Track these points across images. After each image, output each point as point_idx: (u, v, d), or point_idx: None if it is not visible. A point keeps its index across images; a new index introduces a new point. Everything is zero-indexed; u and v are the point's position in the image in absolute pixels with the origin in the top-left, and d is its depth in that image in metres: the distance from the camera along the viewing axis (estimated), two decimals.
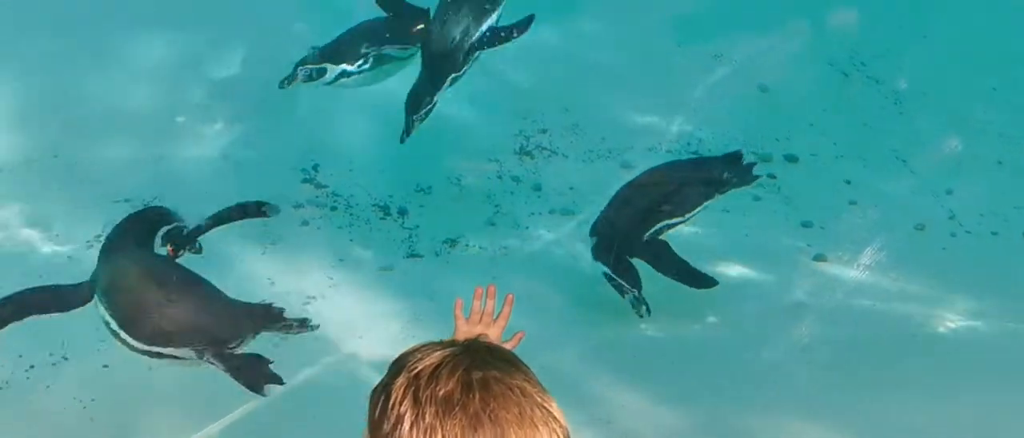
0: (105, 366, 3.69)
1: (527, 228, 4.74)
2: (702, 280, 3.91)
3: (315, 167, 4.87)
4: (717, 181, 4.20)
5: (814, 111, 5.52)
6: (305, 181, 4.80)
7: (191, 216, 4.30)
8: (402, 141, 4.24)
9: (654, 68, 5.80)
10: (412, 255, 4.50)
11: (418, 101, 4.23)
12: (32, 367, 3.69)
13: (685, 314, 4.10)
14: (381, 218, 4.66)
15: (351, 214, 4.68)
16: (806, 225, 4.73)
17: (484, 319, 2.33)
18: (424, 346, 1.53)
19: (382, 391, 1.49)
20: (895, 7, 6.19)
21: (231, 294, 4.00)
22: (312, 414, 3.50)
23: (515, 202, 4.90)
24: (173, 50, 5.36)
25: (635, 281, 3.95)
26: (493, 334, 2.31)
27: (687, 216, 4.19)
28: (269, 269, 4.29)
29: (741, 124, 5.44)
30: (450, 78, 4.33)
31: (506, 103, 5.49)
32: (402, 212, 4.71)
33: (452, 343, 1.52)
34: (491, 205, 4.86)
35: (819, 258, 4.50)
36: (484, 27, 4.34)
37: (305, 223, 4.59)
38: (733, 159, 4.36)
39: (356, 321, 3.99)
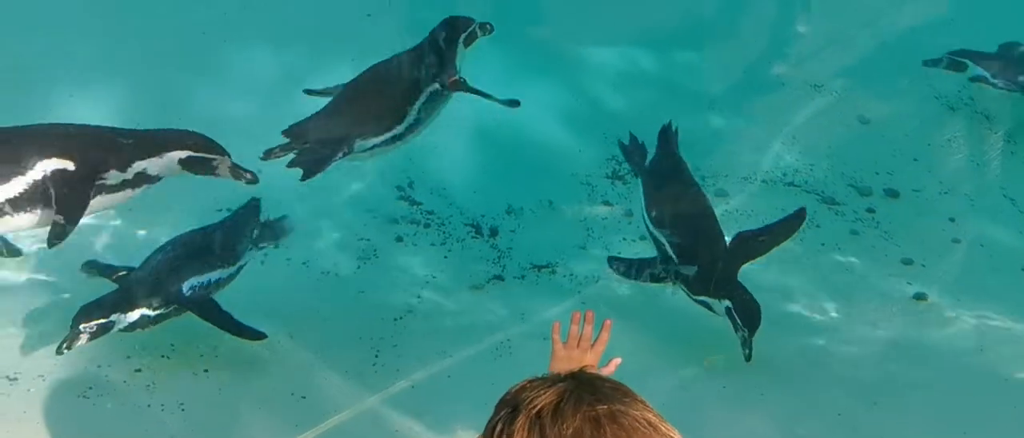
0: (205, 371, 3.80)
1: (619, 253, 4.72)
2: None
3: (411, 184, 4.95)
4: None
5: (918, 145, 5.38)
6: (400, 198, 4.88)
7: (292, 230, 4.43)
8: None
9: (752, 97, 5.73)
10: (501, 276, 4.53)
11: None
12: (138, 371, 3.82)
13: (778, 350, 4.02)
14: (473, 237, 4.71)
15: (444, 232, 4.74)
16: (907, 262, 4.60)
17: (582, 344, 2.34)
18: (532, 382, 1.50)
19: (501, 433, 1.45)
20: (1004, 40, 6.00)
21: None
22: (399, 431, 3.55)
23: (606, 227, 4.89)
24: (278, 65, 5.51)
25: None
26: (590, 360, 2.32)
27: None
28: (361, 282, 4.37)
29: (840, 156, 5.33)
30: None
31: (600, 127, 5.49)
32: (494, 232, 4.75)
33: (560, 378, 1.50)
34: (582, 229, 4.86)
35: (920, 297, 4.37)
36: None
37: (399, 239, 4.66)
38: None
39: (445, 340, 4.03)
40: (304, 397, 3.70)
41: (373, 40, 5.64)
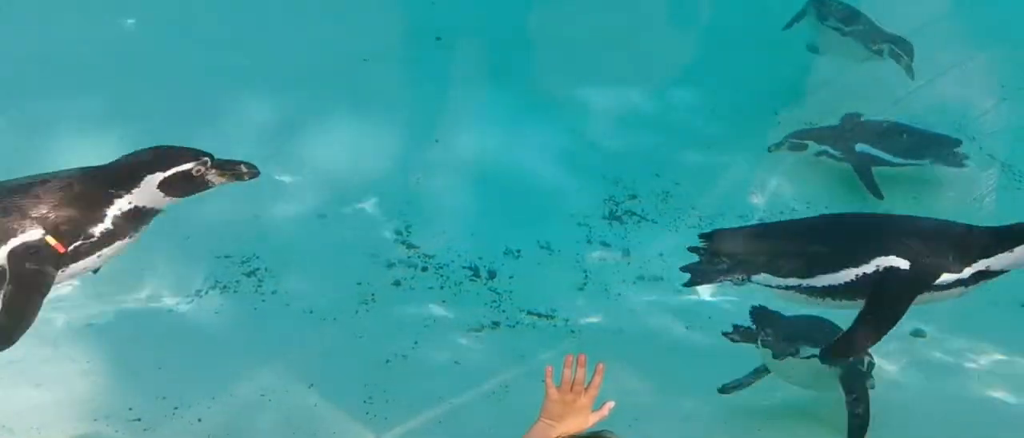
0: (199, 420, 3.79)
1: (618, 295, 4.73)
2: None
3: (408, 228, 4.96)
4: None
5: (914, 182, 5.40)
6: (399, 242, 4.90)
7: (289, 272, 4.46)
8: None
9: (748, 136, 5.76)
10: (500, 319, 4.53)
11: None
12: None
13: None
14: (471, 280, 4.72)
15: (441, 275, 4.74)
16: None
17: (575, 388, 2.34)
18: None
19: None
20: (1002, 77, 6.06)
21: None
22: None
23: (604, 268, 4.90)
24: (275, 111, 5.56)
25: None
26: (583, 403, 2.32)
27: None
28: (358, 327, 4.37)
29: (834, 192, 5.36)
30: None
31: (596, 168, 5.52)
32: (492, 275, 4.75)
33: None
34: (580, 270, 4.86)
35: (918, 333, 4.36)
36: None
37: (397, 283, 4.67)
38: None
39: (441, 385, 4.02)
40: None
41: (370, 85, 5.71)
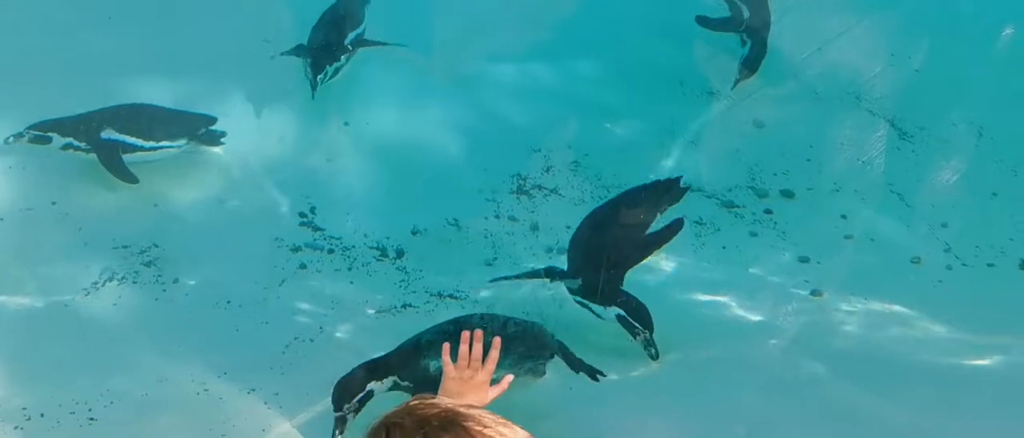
0: (90, 420, 3.69)
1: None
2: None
3: (312, 210, 4.90)
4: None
5: (810, 146, 5.55)
6: (303, 224, 4.83)
7: (190, 260, 4.36)
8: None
9: (652, 106, 5.84)
10: (409, 298, 4.52)
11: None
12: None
13: (683, 350, 4.10)
14: (379, 260, 4.68)
15: (348, 257, 4.70)
16: (803, 260, 4.75)
17: (472, 364, 2.35)
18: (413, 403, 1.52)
19: None
20: (889, 42, 6.24)
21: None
22: None
23: (514, 242, 4.92)
24: (171, 95, 5.40)
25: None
26: (481, 379, 2.33)
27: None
28: (266, 311, 4.31)
29: (738, 160, 5.47)
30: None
31: (503, 143, 5.52)
32: (399, 254, 4.73)
33: (433, 406, 1.51)
34: (489, 245, 4.87)
35: (816, 293, 4.51)
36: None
37: (303, 266, 4.61)
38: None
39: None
40: (223, 435, 3.62)
41: (271, 66, 5.60)
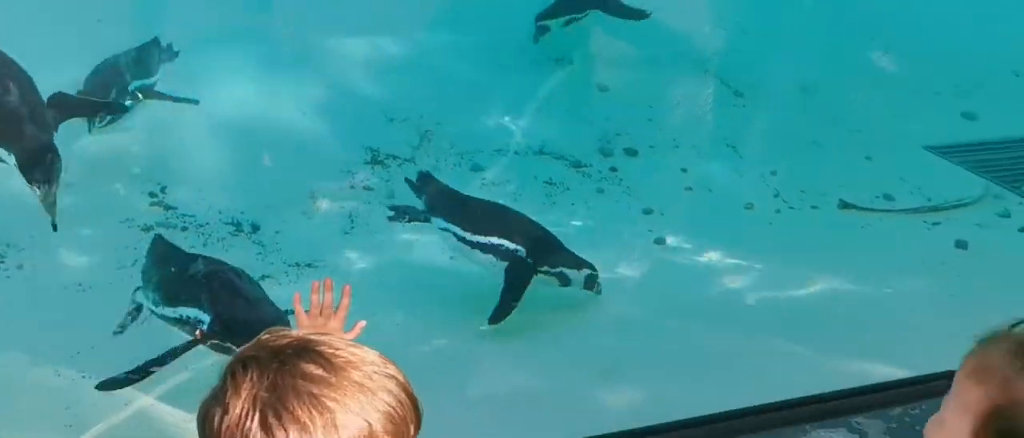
0: None
1: (383, 235, 4.83)
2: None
3: (163, 189, 4.83)
4: None
5: (650, 107, 5.84)
6: (154, 204, 4.76)
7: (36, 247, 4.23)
8: None
9: (500, 74, 6.00)
10: (267, 271, 4.52)
11: None
12: None
13: (542, 300, 4.27)
14: (234, 234, 4.67)
15: (203, 234, 4.66)
16: (647, 212, 5.02)
17: (324, 311, 2.41)
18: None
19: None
20: (718, 6, 6.61)
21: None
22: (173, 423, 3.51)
23: (370, 211, 4.99)
24: None
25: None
26: (334, 326, 2.39)
27: None
28: (118, 294, 4.23)
29: (583, 122, 5.71)
30: None
31: (356, 115, 5.59)
32: (255, 228, 4.72)
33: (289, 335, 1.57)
34: (345, 215, 4.93)
35: (659, 242, 4.78)
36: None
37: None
38: None
39: None
40: (81, 415, 3.56)
41: (105, 44, 5.44)
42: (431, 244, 4.76)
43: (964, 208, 5.00)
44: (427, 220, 4.46)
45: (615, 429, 3.16)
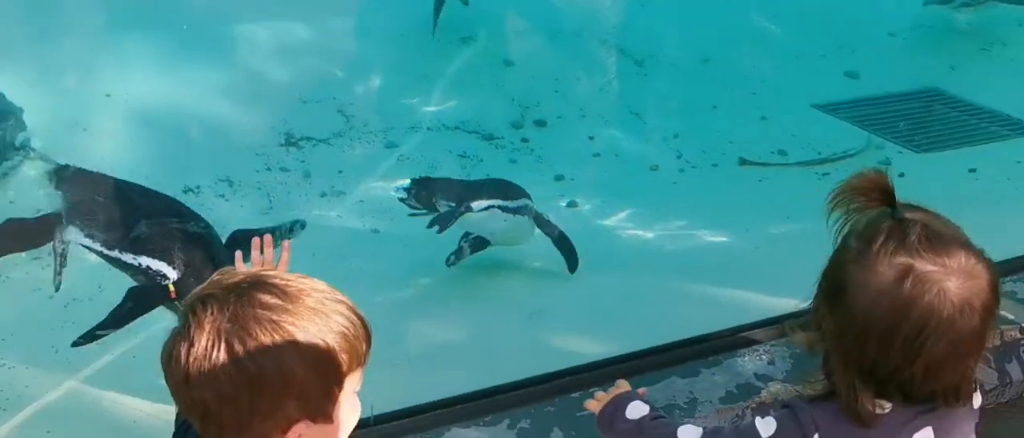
0: None
1: (303, 213, 4.90)
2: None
3: None
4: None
5: (556, 79, 6.06)
6: None
7: None
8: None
9: (409, 53, 6.13)
10: None
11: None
12: None
13: (463, 269, 4.42)
14: None
15: None
16: (558, 178, 5.23)
17: (266, 267, 2.51)
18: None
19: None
20: None
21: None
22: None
23: (287, 190, 5.06)
24: None
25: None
26: None
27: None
28: (36, 280, 4.21)
29: (492, 97, 5.88)
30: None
31: (269, 99, 5.63)
32: None
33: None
34: (263, 196, 4.99)
35: (571, 205, 5.00)
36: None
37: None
38: None
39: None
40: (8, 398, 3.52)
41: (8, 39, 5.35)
42: (349, 219, 4.88)
43: (849, 158, 5.36)
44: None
45: (540, 372, 3.35)
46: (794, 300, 3.71)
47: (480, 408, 3.11)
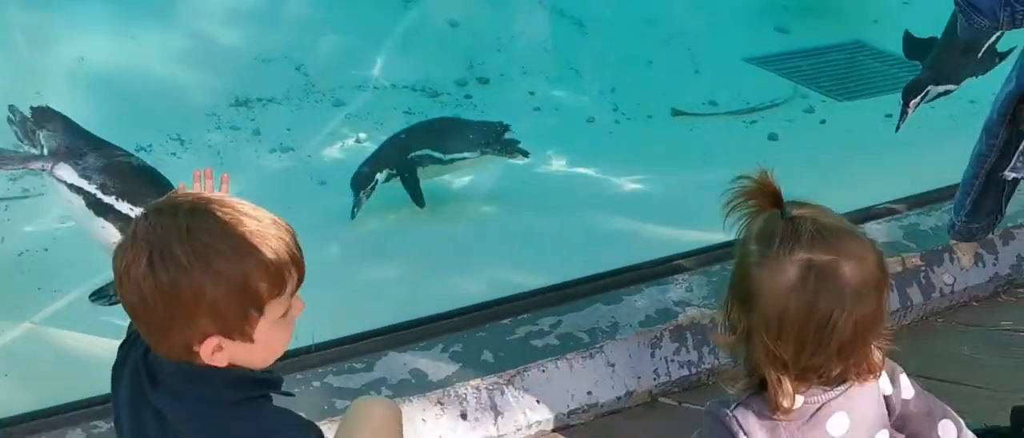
0: None
1: (252, 169, 5.08)
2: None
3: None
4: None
5: (498, 38, 6.26)
6: None
7: None
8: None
9: (353, 18, 6.28)
10: None
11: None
12: None
13: (404, 209, 4.63)
14: None
15: None
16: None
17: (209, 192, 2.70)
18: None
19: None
20: None
21: None
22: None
23: (237, 148, 5.23)
24: None
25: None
26: None
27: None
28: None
29: (437, 56, 6.07)
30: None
31: (218, 61, 5.77)
32: None
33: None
34: (213, 153, 5.15)
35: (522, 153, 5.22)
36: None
37: (25, 194, 4.66)
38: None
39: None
40: None
41: None
42: (297, 173, 5.06)
43: (776, 107, 5.65)
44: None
45: (472, 302, 3.59)
46: (717, 235, 4.01)
47: (415, 335, 3.34)
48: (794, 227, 1.74)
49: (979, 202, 2.77)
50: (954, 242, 3.21)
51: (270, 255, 1.75)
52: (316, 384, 3.08)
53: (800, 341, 1.70)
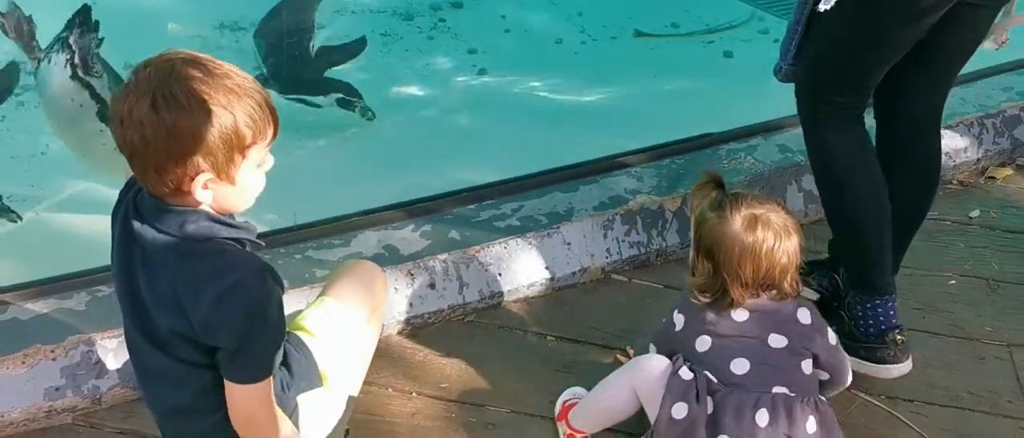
0: None
1: None
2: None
3: None
4: None
5: None
6: None
7: None
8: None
9: None
10: None
11: None
12: None
13: (381, 119, 4.90)
14: None
15: None
16: (471, 51, 5.73)
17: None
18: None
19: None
20: None
21: None
22: None
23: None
24: None
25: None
26: None
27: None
28: None
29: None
30: None
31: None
32: None
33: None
34: None
35: (482, 72, 5.51)
36: None
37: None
38: None
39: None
40: None
41: None
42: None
43: (733, 29, 5.95)
44: None
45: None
46: (667, 137, 4.29)
47: (389, 217, 3.63)
48: (735, 197, 2.52)
49: (803, 45, 2.87)
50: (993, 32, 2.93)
51: (255, 106, 1.97)
52: (297, 257, 3.37)
53: (755, 265, 2.42)
